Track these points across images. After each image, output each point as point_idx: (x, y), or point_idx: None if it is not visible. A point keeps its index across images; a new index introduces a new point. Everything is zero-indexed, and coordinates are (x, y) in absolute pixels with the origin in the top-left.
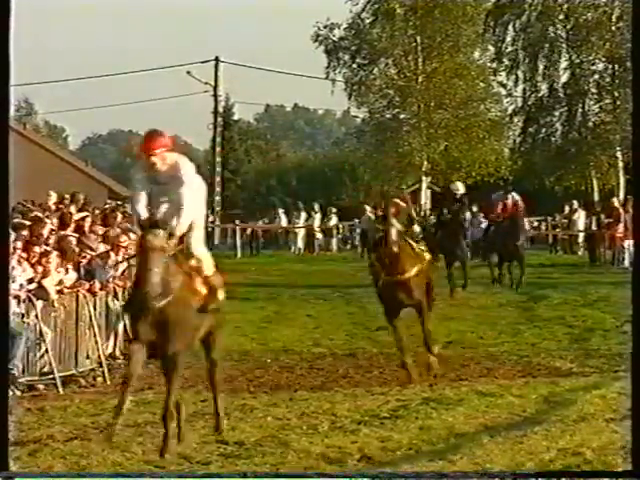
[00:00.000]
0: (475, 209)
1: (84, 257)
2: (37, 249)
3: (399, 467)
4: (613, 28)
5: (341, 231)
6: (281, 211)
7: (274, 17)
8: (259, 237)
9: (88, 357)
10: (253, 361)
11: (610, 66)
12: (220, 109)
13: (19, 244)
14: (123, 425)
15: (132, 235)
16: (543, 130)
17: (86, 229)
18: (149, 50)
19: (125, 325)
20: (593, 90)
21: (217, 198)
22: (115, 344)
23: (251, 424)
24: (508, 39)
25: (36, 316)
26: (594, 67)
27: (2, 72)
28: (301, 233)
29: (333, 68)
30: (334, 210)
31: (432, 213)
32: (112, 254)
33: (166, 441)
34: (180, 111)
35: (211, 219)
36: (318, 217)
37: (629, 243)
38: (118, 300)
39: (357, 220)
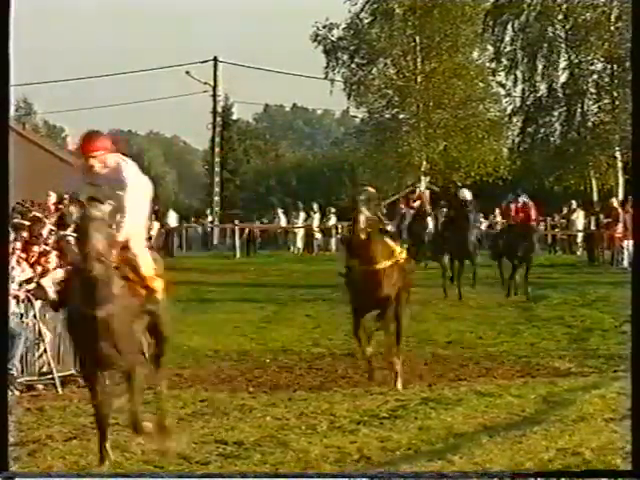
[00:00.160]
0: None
1: None
2: (36, 249)
3: (398, 467)
4: (612, 28)
5: (340, 231)
6: (280, 211)
7: (273, 17)
8: (256, 237)
9: None
10: (252, 361)
11: (609, 66)
12: (219, 109)
13: (18, 244)
14: (122, 425)
15: None
16: (542, 130)
17: None
18: (148, 50)
19: None
20: (592, 90)
21: (216, 198)
22: None
23: (250, 424)
24: (507, 39)
25: (35, 316)
26: (593, 67)
27: (2, 72)
28: (300, 233)
29: (332, 68)
30: (333, 210)
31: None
32: None
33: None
34: (179, 111)
35: (210, 219)
36: (317, 217)
37: (628, 243)
38: None
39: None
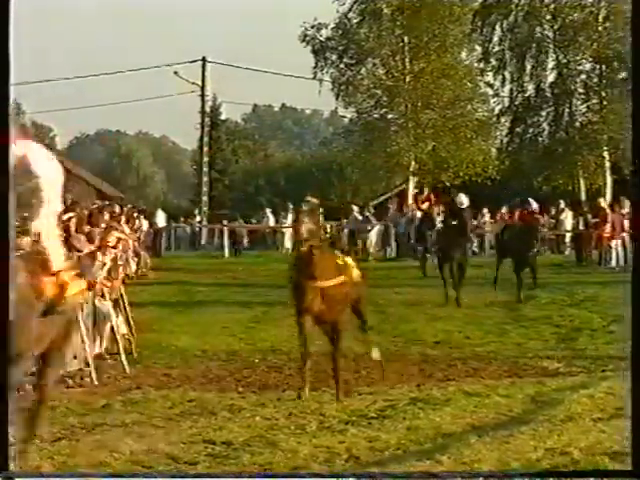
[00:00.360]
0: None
1: (71, 257)
2: None
3: (387, 467)
4: (600, 28)
5: (329, 231)
6: (269, 211)
7: (261, 17)
8: (241, 237)
9: (75, 357)
10: (241, 361)
11: (597, 66)
12: (207, 109)
13: None
14: (111, 425)
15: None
16: (530, 130)
17: (72, 229)
18: (137, 50)
19: (112, 325)
20: (580, 90)
21: (204, 198)
22: (102, 344)
23: (239, 424)
24: (495, 39)
25: None
26: (581, 67)
27: (2, 72)
28: (288, 233)
29: (321, 68)
30: (321, 210)
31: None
32: (99, 254)
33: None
34: (168, 111)
35: (198, 219)
36: None
37: (616, 243)
38: (105, 300)
39: (345, 220)
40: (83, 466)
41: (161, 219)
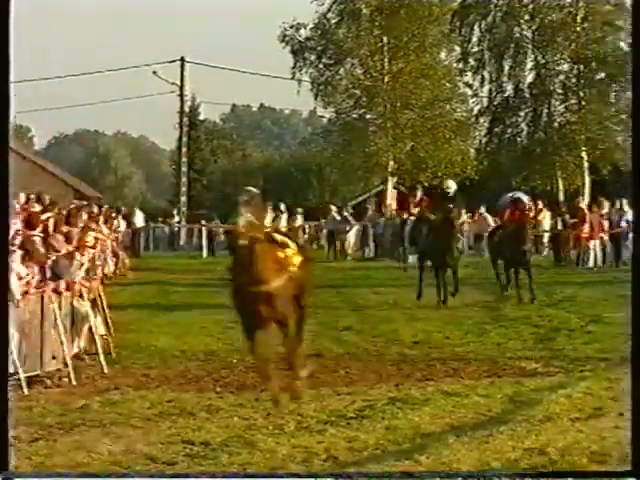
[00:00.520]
0: None
1: (49, 257)
2: None
3: (365, 467)
4: (578, 29)
5: (307, 231)
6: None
7: (240, 17)
8: (215, 237)
9: (54, 357)
10: (219, 361)
11: (575, 66)
12: (186, 109)
13: None
14: (89, 425)
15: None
16: (509, 130)
17: (50, 229)
18: (115, 50)
19: (90, 326)
20: (559, 90)
21: (183, 198)
22: (80, 345)
23: (217, 424)
24: (474, 39)
25: None
26: (559, 67)
27: (2, 72)
28: None
29: (299, 68)
30: (300, 210)
31: (399, 213)
32: (77, 254)
33: None
34: (146, 111)
35: (177, 219)
36: (284, 217)
37: (594, 243)
38: (84, 300)
39: (323, 220)
40: (61, 467)
41: (139, 219)
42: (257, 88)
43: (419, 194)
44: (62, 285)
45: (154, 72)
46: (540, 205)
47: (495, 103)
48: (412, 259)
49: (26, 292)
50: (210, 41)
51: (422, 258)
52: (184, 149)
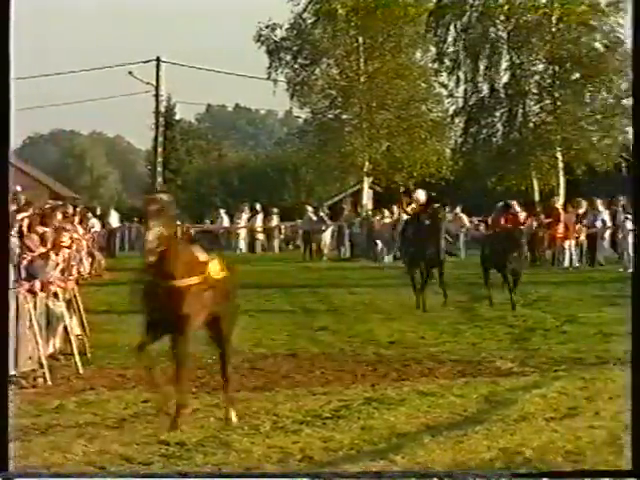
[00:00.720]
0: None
1: (24, 257)
2: None
3: (341, 467)
4: (553, 29)
5: (283, 231)
6: (222, 211)
7: (215, 17)
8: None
9: (29, 358)
10: (195, 361)
11: (550, 67)
12: (162, 109)
13: None
14: (64, 426)
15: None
16: (484, 130)
17: (24, 229)
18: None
19: (66, 326)
20: (534, 91)
21: None
22: (55, 345)
23: (193, 424)
24: (449, 40)
25: None
26: (535, 68)
27: (2, 71)
28: (242, 233)
29: (275, 68)
30: (276, 210)
31: (375, 213)
32: (52, 254)
33: None
34: (122, 111)
35: None
36: (260, 217)
37: (570, 243)
38: (59, 301)
39: (299, 220)
40: (36, 467)
41: (114, 219)
42: (232, 88)
43: (414, 195)
44: (37, 285)
45: (130, 72)
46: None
47: (470, 103)
48: (387, 259)
49: None
50: (185, 41)
51: (412, 261)
52: (159, 149)
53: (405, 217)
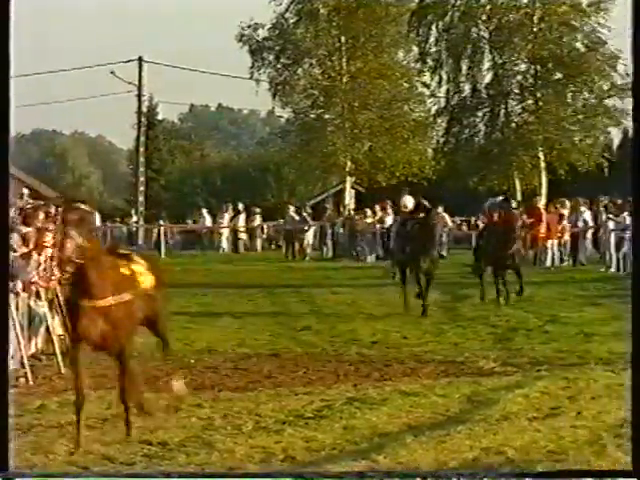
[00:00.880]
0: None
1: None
2: None
3: (323, 467)
4: (535, 29)
5: (265, 231)
6: (205, 211)
7: (198, 17)
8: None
9: (12, 357)
10: (177, 361)
11: (532, 67)
12: (144, 109)
13: None
14: (46, 426)
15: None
16: (466, 130)
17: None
18: (73, 50)
19: (48, 326)
20: (516, 91)
21: (141, 198)
22: (37, 345)
23: (175, 424)
24: (431, 40)
25: None
26: (517, 68)
27: (2, 71)
28: (225, 233)
29: (257, 68)
30: (258, 210)
31: (357, 213)
32: (34, 254)
33: None
34: (104, 111)
35: (135, 219)
36: (242, 217)
37: (551, 243)
38: (41, 300)
39: (281, 220)
40: (18, 467)
41: (96, 219)
42: (215, 88)
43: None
44: (19, 285)
45: (112, 72)
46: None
47: (453, 103)
48: (370, 259)
49: None
50: (168, 41)
51: (404, 264)
52: (142, 149)
53: (392, 220)
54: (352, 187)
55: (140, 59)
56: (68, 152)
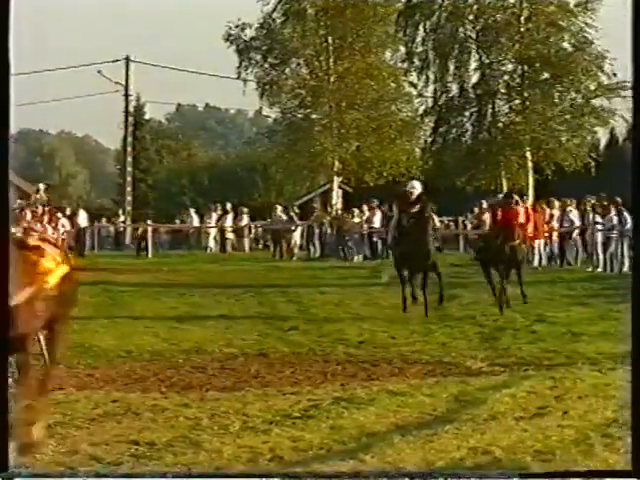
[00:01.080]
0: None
1: None
2: None
3: (310, 467)
4: (522, 29)
5: (253, 231)
6: (192, 211)
7: (185, 17)
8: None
9: None
10: (164, 361)
11: (519, 67)
12: (131, 109)
13: None
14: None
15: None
16: (454, 130)
17: None
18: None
19: None
20: (503, 90)
21: (128, 198)
22: None
23: (162, 424)
24: (418, 39)
25: None
26: (504, 68)
27: (2, 71)
28: (213, 233)
29: (245, 68)
30: (245, 210)
31: (344, 213)
32: None
33: None
34: (91, 110)
35: (122, 219)
36: (230, 217)
37: (539, 243)
38: None
39: (269, 220)
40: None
41: (83, 219)
42: (202, 88)
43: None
44: None
45: (99, 71)
46: (485, 205)
47: (440, 103)
48: (357, 259)
49: None
50: (155, 40)
51: (400, 262)
52: (129, 149)
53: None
54: (339, 187)
55: (127, 59)
56: (55, 152)
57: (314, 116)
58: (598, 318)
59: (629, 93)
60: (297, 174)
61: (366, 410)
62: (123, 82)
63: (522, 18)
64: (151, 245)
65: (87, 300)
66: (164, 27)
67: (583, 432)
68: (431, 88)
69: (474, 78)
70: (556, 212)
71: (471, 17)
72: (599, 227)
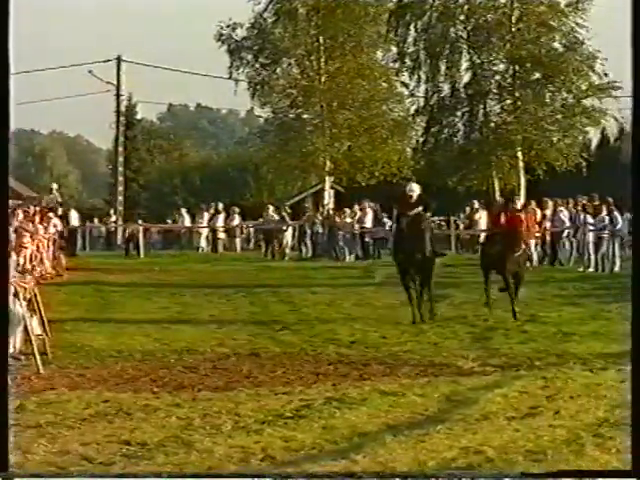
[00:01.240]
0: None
1: None
2: None
3: (302, 467)
4: (513, 29)
5: (245, 231)
6: (184, 211)
7: (176, 17)
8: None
9: None
10: (156, 361)
11: (511, 67)
12: (123, 109)
13: None
14: (24, 426)
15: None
16: (445, 130)
17: None
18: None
19: (26, 326)
20: (494, 90)
21: (120, 198)
22: (16, 345)
23: (154, 424)
24: (410, 39)
25: None
26: (495, 68)
27: (2, 71)
28: (204, 233)
29: (236, 68)
30: (237, 210)
31: (336, 213)
32: (13, 254)
33: None
34: (82, 110)
35: (114, 219)
36: (222, 217)
37: (530, 243)
38: (20, 301)
39: (261, 219)
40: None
41: (74, 219)
42: (194, 88)
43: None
44: None
45: (90, 71)
46: (476, 205)
47: (431, 103)
48: (349, 259)
49: None
50: (147, 40)
51: (404, 266)
52: (121, 149)
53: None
54: (331, 187)
55: (119, 59)
56: (47, 152)
57: (306, 116)
58: (589, 318)
59: (620, 93)
60: (289, 174)
61: (358, 410)
62: (115, 82)
63: (513, 18)
64: (143, 245)
65: (79, 300)
66: (156, 27)
67: (574, 432)
68: (423, 88)
69: (465, 78)
70: (548, 212)
71: (462, 17)
72: (590, 227)
